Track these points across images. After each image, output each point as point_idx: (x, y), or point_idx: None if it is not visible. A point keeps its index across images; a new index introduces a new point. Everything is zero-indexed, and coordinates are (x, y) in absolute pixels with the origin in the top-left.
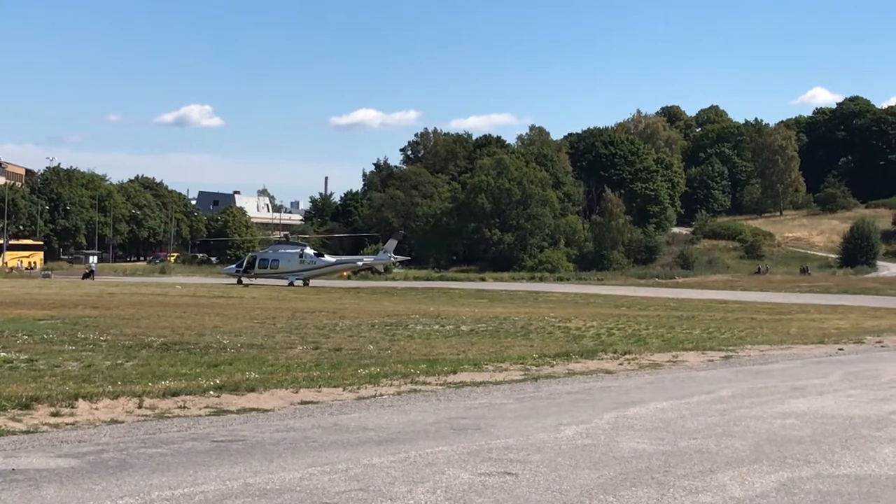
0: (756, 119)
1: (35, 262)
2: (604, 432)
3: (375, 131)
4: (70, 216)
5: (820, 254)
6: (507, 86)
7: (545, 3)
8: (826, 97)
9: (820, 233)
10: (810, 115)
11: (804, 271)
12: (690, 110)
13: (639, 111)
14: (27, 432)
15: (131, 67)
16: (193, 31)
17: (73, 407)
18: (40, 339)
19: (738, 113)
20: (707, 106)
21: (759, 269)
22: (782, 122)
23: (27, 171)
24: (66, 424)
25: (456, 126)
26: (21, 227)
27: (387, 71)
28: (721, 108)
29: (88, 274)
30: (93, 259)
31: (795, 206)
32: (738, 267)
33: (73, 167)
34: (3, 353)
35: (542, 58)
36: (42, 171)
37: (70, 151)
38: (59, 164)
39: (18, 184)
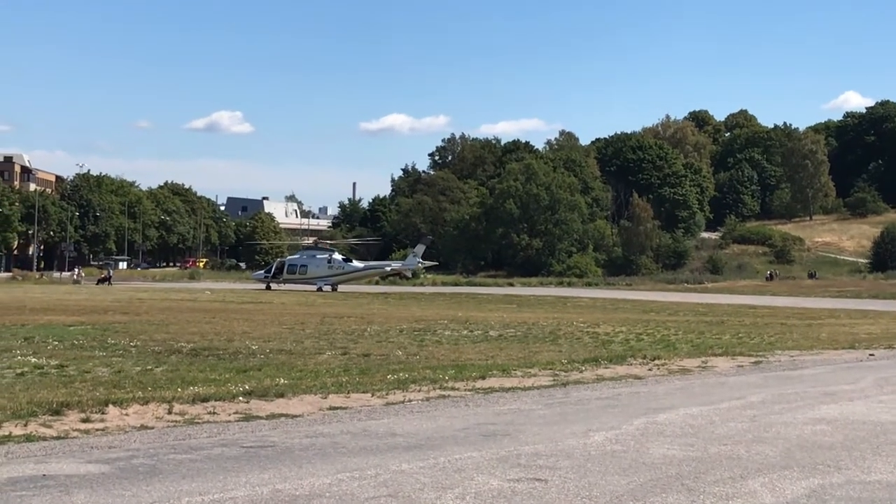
0: (786, 124)
1: None
2: (633, 438)
3: (405, 136)
4: (100, 222)
5: (850, 258)
6: (537, 91)
7: (576, 8)
8: (858, 101)
9: (850, 237)
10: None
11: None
12: (719, 115)
13: (667, 116)
14: (58, 438)
15: (162, 73)
16: (224, 37)
17: (103, 413)
18: (70, 345)
19: (768, 118)
20: (736, 111)
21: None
22: (811, 126)
23: (57, 177)
24: (97, 430)
25: (485, 131)
26: (51, 234)
27: (417, 76)
28: (750, 112)
29: (105, 279)
30: (122, 265)
31: (825, 210)
32: (767, 271)
33: (103, 173)
34: (33, 359)
35: (571, 63)
36: (72, 178)
37: (100, 158)
38: (88, 170)
39: (49, 190)
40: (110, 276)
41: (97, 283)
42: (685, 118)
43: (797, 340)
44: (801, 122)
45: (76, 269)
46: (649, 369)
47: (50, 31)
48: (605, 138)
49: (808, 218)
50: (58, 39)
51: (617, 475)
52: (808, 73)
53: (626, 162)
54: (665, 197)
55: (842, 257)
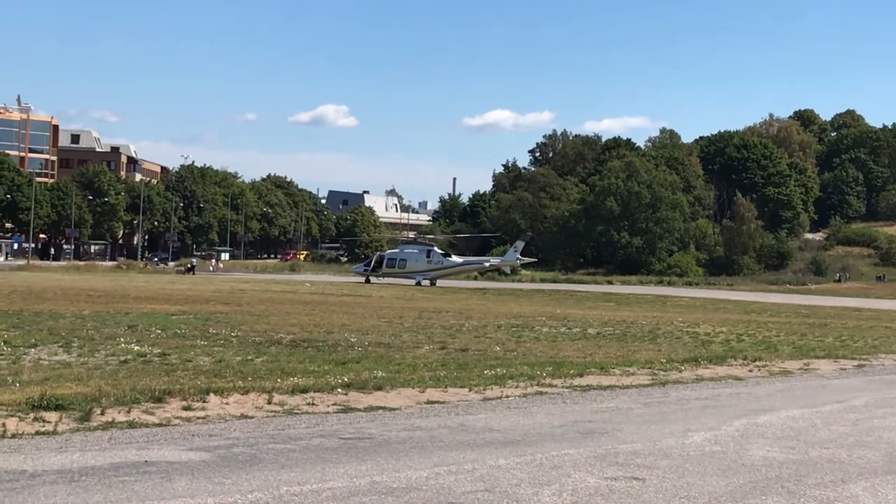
0: (894, 124)
1: None
2: (733, 439)
3: (508, 132)
4: (203, 213)
5: None
6: (642, 88)
7: (684, 6)
8: None
9: None
10: None
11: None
12: (826, 114)
13: (771, 115)
14: (160, 425)
15: (270, 66)
16: (334, 31)
17: (204, 401)
18: (173, 334)
19: (877, 117)
20: (843, 110)
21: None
22: None
23: (162, 168)
24: (198, 418)
25: (589, 128)
26: (156, 224)
27: (522, 72)
28: (858, 112)
29: (190, 269)
30: (225, 256)
31: None
32: (873, 274)
33: (207, 165)
34: (137, 347)
35: (677, 61)
36: (177, 169)
37: (205, 149)
38: (192, 161)
39: (154, 181)
40: (194, 267)
41: (184, 273)
42: (790, 117)
43: None
44: None
45: (213, 260)
46: (750, 370)
47: (158, 24)
48: (707, 136)
49: None
50: (166, 32)
51: (716, 476)
52: None
53: (729, 161)
54: (769, 197)
55: None
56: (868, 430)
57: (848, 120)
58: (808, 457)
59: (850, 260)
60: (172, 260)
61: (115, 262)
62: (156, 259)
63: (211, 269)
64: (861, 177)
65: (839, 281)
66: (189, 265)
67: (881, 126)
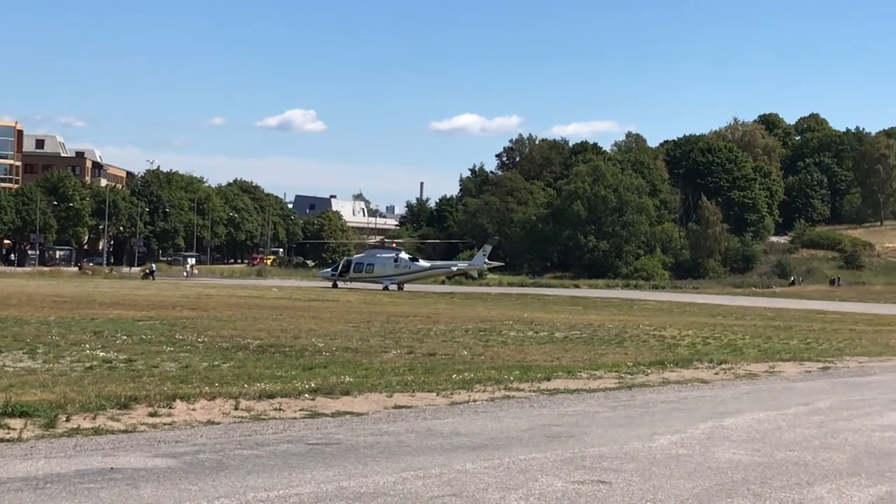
0: (857, 128)
1: None
2: (699, 442)
3: (475, 137)
4: (169, 218)
5: None
6: (609, 92)
7: (648, 10)
8: None
9: None
10: None
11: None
12: (790, 118)
13: (735, 119)
14: (125, 431)
15: (237, 72)
16: (301, 36)
17: (170, 407)
18: (139, 340)
19: (840, 121)
20: (807, 114)
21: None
22: (884, 130)
23: (128, 173)
24: (164, 424)
25: (556, 132)
26: (121, 229)
27: (490, 76)
28: (822, 116)
29: (149, 274)
30: (192, 261)
31: None
32: (841, 278)
33: (173, 170)
34: (102, 353)
35: (644, 65)
36: (142, 174)
37: (173, 154)
38: (158, 166)
39: (119, 186)
40: (154, 272)
41: (142, 278)
42: (755, 121)
43: (866, 346)
44: (874, 126)
45: (189, 265)
46: (716, 373)
47: (124, 29)
48: (673, 140)
49: (878, 223)
50: (132, 37)
51: (682, 479)
52: (881, 76)
53: (694, 164)
54: (734, 200)
55: None
56: (833, 433)
57: (812, 124)
58: (774, 459)
59: (815, 263)
60: (138, 265)
61: (80, 268)
62: (91, 264)
63: (185, 274)
64: (825, 180)
65: (793, 284)
66: (148, 270)
67: (845, 130)
